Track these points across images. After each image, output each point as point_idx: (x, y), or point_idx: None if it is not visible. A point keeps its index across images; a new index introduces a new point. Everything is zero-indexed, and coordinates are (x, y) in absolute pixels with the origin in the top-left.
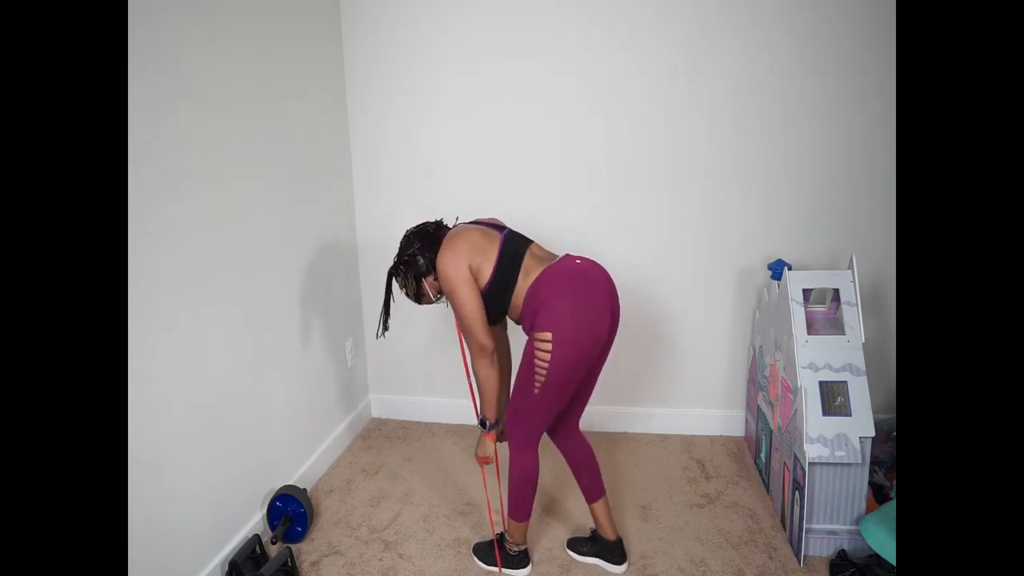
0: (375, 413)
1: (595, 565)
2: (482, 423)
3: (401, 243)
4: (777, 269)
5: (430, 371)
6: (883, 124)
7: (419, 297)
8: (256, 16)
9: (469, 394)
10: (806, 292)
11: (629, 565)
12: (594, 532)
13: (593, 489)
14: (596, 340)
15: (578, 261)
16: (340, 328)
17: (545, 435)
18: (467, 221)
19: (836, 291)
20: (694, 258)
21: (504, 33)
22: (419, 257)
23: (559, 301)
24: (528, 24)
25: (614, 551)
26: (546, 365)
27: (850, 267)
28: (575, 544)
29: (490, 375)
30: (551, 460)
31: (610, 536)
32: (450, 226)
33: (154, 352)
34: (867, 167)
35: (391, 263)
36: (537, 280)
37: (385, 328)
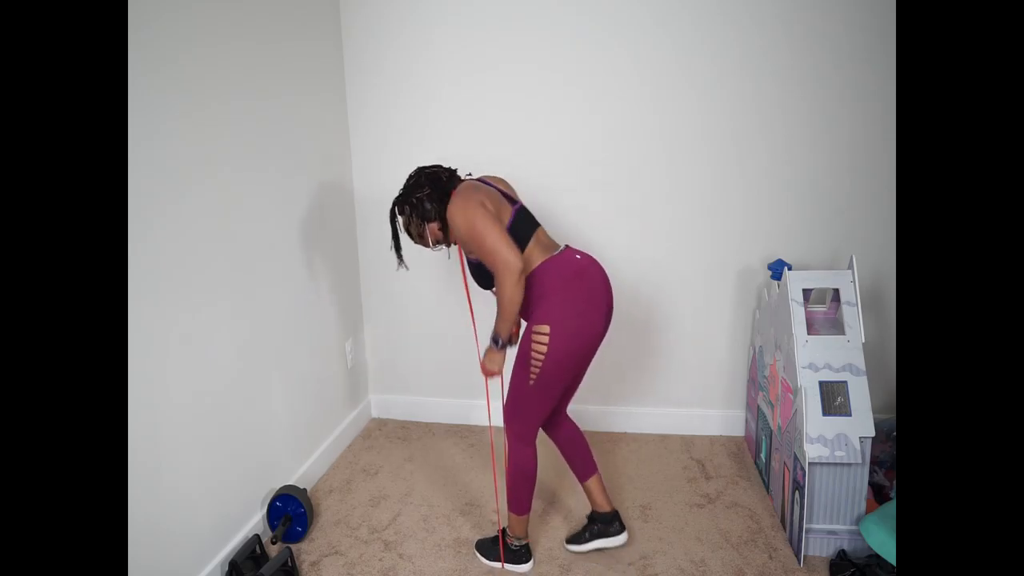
0: (375, 413)
1: (598, 552)
2: (495, 340)
3: (410, 178)
4: (777, 269)
5: (430, 371)
6: (883, 124)
7: (419, 238)
8: (256, 14)
9: (471, 326)
10: (806, 292)
11: (629, 565)
12: (591, 513)
13: (585, 468)
14: (592, 337)
15: (578, 256)
16: (340, 328)
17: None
18: (475, 177)
19: (836, 291)
20: (694, 258)
21: (504, 33)
22: (427, 202)
23: (559, 296)
24: (528, 24)
25: (612, 522)
26: (542, 358)
27: (850, 267)
28: (575, 538)
29: (516, 294)
30: (555, 460)
31: (606, 508)
32: (463, 178)
33: (154, 352)
34: (867, 167)
35: (397, 194)
36: (540, 269)
37: (400, 260)
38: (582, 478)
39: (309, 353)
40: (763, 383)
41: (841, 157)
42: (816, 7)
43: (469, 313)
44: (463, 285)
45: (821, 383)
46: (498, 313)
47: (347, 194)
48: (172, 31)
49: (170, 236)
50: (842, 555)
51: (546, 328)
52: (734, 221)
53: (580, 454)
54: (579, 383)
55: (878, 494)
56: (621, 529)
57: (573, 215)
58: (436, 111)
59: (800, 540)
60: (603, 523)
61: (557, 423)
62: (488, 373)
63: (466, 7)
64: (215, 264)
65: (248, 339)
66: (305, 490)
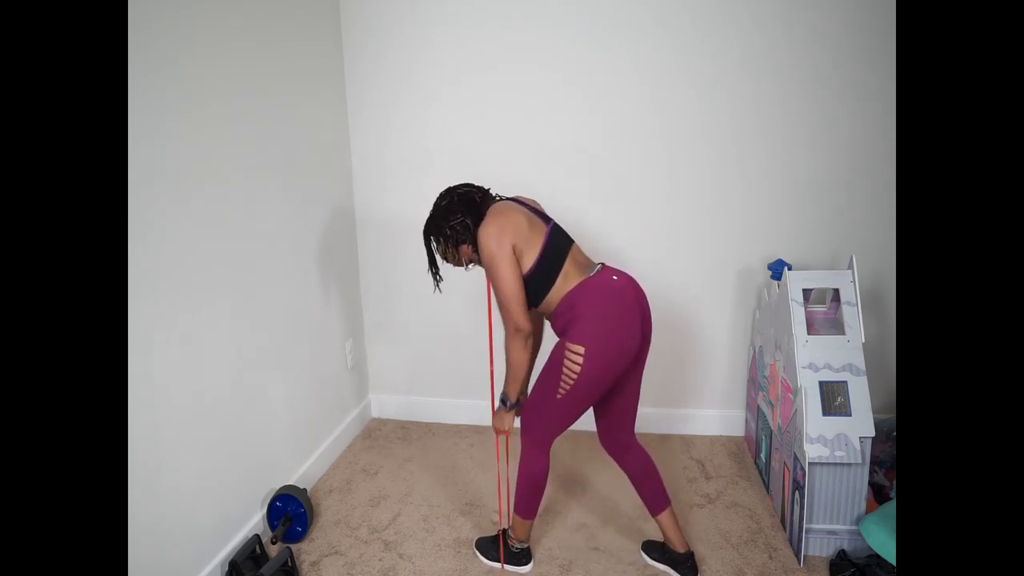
0: (375, 413)
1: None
2: (503, 401)
3: (442, 199)
4: (777, 269)
5: (430, 371)
6: (883, 124)
7: (454, 261)
8: (256, 14)
9: (489, 371)
10: (806, 292)
11: (629, 565)
12: (663, 544)
13: (657, 501)
14: (625, 358)
15: (615, 277)
16: (340, 328)
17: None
18: (507, 197)
19: (836, 291)
20: (694, 258)
21: (504, 33)
22: (460, 228)
23: (595, 318)
24: (528, 24)
25: (683, 564)
26: (574, 376)
27: (850, 267)
28: (650, 548)
29: (522, 357)
30: (562, 461)
31: (679, 548)
32: (496, 197)
33: (154, 352)
34: (867, 167)
35: (428, 216)
36: (577, 290)
37: (437, 284)
38: (654, 512)
39: (309, 353)
40: (763, 383)
41: (841, 157)
42: (816, 7)
43: (488, 346)
44: (487, 311)
45: (821, 383)
46: (507, 376)
47: (347, 194)
48: (172, 31)
49: (170, 236)
50: (842, 555)
51: (581, 349)
52: (734, 221)
53: (652, 485)
54: (635, 402)
55: (878, 494)
56: (691, 572)
57: (573, 215)
58: (436, 111)
59: (800, 540)
60: (674, 561)
61: (627, 448)
62: (498, 432)
63: (466, 7)
64: (215, 264)
65: (248, 339)
66: (305, 490)
